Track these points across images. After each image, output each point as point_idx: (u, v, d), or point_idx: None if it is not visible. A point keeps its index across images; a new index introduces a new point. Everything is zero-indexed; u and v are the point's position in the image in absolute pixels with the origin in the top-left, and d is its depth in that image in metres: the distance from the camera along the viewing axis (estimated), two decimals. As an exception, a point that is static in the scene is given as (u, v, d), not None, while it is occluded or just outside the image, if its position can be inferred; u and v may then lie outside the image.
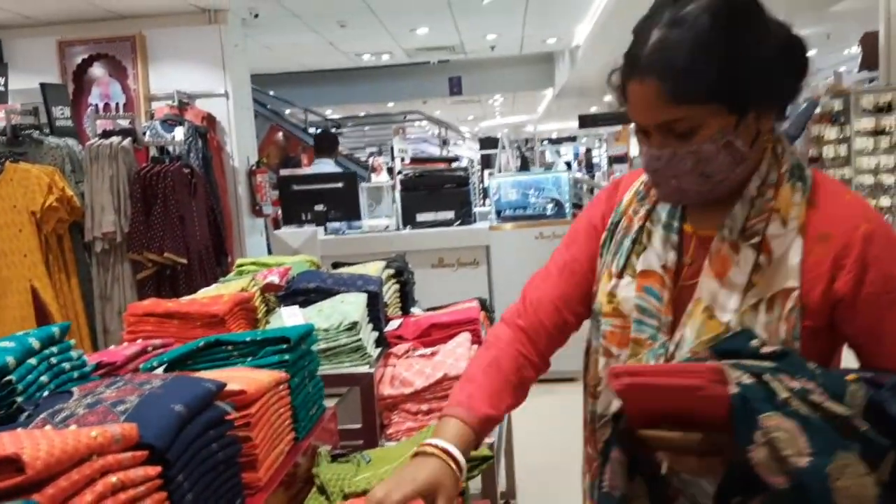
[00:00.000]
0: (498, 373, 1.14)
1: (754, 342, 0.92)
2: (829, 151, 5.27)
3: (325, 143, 5.66)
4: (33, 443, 0.74)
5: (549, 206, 4.89)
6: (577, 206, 5.01)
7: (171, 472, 0.94)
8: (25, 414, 1.06)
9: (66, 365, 1.26)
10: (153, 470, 0.90)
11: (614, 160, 14.54)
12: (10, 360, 1.13)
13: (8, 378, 1.12)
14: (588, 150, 16.42)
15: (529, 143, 12.20)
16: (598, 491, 1.04)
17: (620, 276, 1.09)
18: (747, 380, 0.84)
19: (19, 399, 1.12)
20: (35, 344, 1.20)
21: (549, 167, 9.52)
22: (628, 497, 0.94)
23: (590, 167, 15.34)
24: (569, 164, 12.70)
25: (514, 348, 1.16)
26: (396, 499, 0.94)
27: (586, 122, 11.53)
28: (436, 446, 1.02)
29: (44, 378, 1.19)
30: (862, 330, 0.97)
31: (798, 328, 0.95)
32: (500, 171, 6.56)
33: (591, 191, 6.33)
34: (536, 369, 1.18)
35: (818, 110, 5.35)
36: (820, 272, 0.96)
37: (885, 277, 0.94)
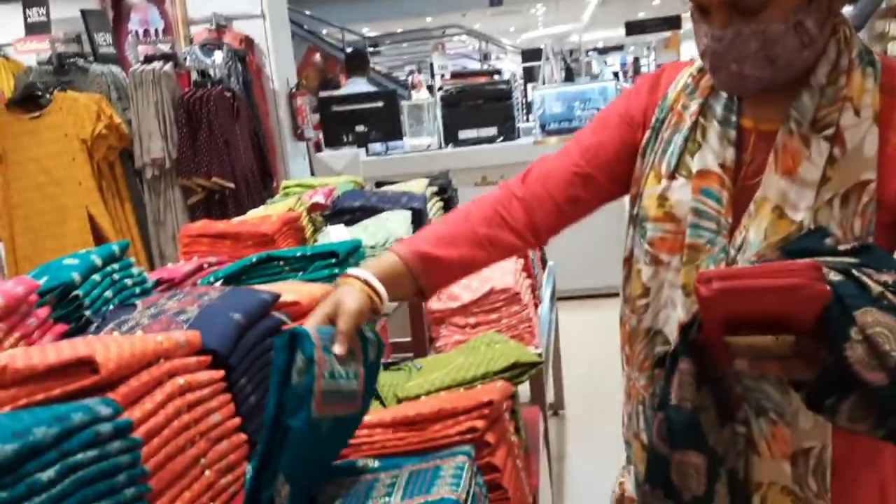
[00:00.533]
0: (461, 221, 1.07)
1: (829, 240, 0.87)
2: (894, 49, 4.95)
3: (357, 62, 5.57)
4: (104, 346, 0.79)
5: (595, 118, 4.75)
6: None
7: (233, 377, 0.99)
8: (94, 325, 1.12)
9: (128, 281, 1.32)
10: (217, 373, 0.95)
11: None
12: (76, 276, 1.18)
13: (75, 293, 1.18)
14: (636, 60, 15.78)
15: (574, 54, 11.76)
16: (649, 410, 1.01)
17: (673, 177, 1.01)
18: (835, 276, 0.80)
19: (87, 313, 1.18)
20: (97, 261, 1.25)
21: (595, 78, 9.20)
22: (697, 408, 0.90)
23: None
24: (616, 75, 12.25)
25: (492, 207, 1.08)
26: (309, 326, 0.90)
27: (634, 29, 10.97)
28: (347, 273, 0.98)
29: (108, 293, 1.25)
30: None
31: (873, 223, 0.91)
32: (543, 84, 6.39)
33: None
34: (519, 236, 1.08)
35: (884, 4, 5.01)
36: None
37: None
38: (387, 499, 0.87)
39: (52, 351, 0.79)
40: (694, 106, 1.02)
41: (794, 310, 0.79)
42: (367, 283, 0.95)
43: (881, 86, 0.93)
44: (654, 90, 1.09)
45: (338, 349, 0.87)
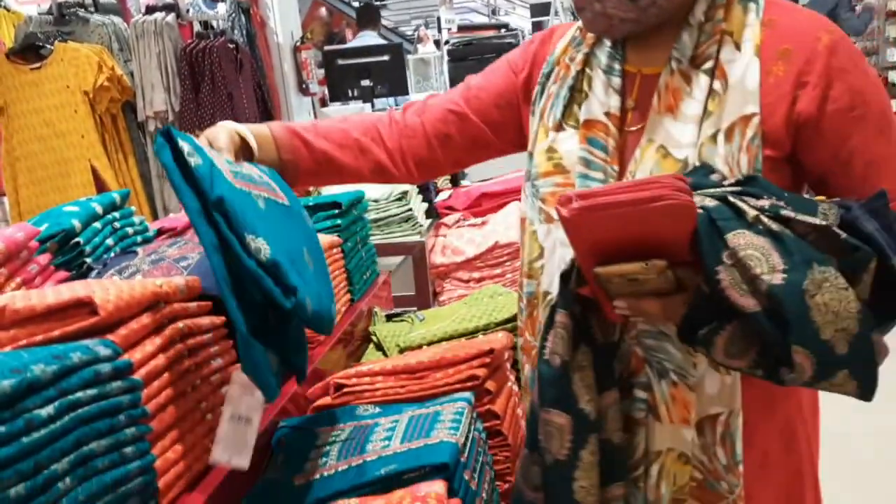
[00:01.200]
0: (339, 122, 1.09)
1: (714, 176, 0.84)
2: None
3: (368, 15, 5.46)
4: (103, 289, 0.78)
5: (603, 74, 4.67)
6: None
7: (234, 323, 0.99)
8: (95, 272, 1.11)
9: (130, 230, 1.31)
10: (218, 319, 0.95)
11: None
12: (76, 223, 1.18)
13: (76, 240, 1.17)
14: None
15: (583, 10, 11.51)
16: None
17: (560, 128, 0.99)
18: (710, 202, 0.77)
19: (88, 260, 1.17)
20: (98, 209, 1.25)
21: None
22: (570, 366, 0.85)
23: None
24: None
25: (370, 121, 1.10)
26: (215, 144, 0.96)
27: (644, -16, 10.71)
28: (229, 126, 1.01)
29: (109, 241, 1.24)
30: (827, 156, 0.89)
31: (760, 158, 0.87)
32: (551, 40, 6.28)
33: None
34: (389, 156, 1.09)
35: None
36: (781, 93, 0.88)
37: (851, 92, 0.87)
38: (386, 442, 0.88)
39: (52, 293, 0.79)
40: (579, 56, 1.00)
41: (661, 228, 0.74)
42: (235, 129, 0.98)
43: (763, 20, 0.90)
44: (544, 43, 1.08)
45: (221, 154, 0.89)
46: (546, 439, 0.86)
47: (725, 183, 0.82)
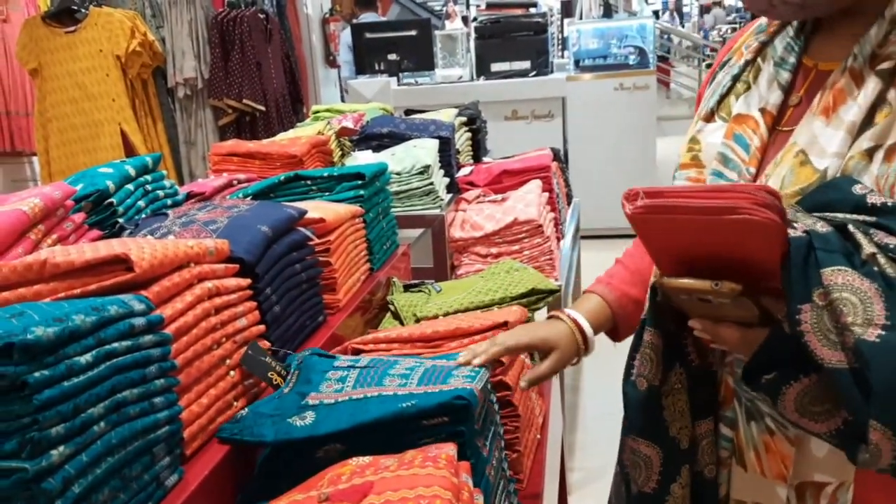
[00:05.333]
0: (641, 256, 1.02)
1: (857, 188, 0.69)
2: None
3: None
4: (138, 247, 0.82)
5: (632, 55, 4.64)
6: (663, 58, 4.74)
7: (259, 285, 1.03)
8: (127, 232, 1.16)
9: (161, 192, 1.35)
10: (244, 281, 0.99)
11: (706, 9, 13.45)
12: (110, 184, 1.22)
13: (109, 201, 1.21)
14: (679, -2, 15.19)
15: (614, -10, 11.36)
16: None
17: (711, 118, 0.90)
18: (822, 228, 0.64)
19: (121, 220, 1.22)
20: (131, 171, 1.29)
21: (633, 15, 8.90)
22: (659, 390, 0.77)
23: (680, 17, 14.29)
24: (656, 14, 11.83)
25: None
26: (510, 343, 0.99)
27: (679, -36, 10.52)
28: (566, 313, 1.01)
29: (141, 202, 1.28)
30: None
31: None
32: (580, 18, 6.22)
33: (679, 42, 5.94)
34: None
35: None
36: None
37: None
38: (403, 380, 0.89)
39: (89, 249, 0.83)
40: (755, 43, 0.90)
41: (743, 244, 0.63)
42: (582, 331, 0.99)
43: None
44: (730, 43, 0.97)
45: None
46: (631, 468, 0.81)
47: (870, 200, 0.68)
